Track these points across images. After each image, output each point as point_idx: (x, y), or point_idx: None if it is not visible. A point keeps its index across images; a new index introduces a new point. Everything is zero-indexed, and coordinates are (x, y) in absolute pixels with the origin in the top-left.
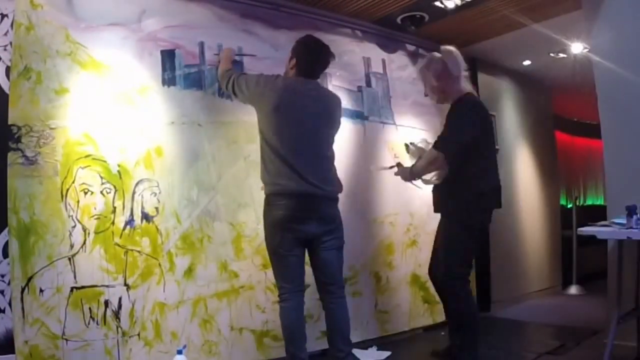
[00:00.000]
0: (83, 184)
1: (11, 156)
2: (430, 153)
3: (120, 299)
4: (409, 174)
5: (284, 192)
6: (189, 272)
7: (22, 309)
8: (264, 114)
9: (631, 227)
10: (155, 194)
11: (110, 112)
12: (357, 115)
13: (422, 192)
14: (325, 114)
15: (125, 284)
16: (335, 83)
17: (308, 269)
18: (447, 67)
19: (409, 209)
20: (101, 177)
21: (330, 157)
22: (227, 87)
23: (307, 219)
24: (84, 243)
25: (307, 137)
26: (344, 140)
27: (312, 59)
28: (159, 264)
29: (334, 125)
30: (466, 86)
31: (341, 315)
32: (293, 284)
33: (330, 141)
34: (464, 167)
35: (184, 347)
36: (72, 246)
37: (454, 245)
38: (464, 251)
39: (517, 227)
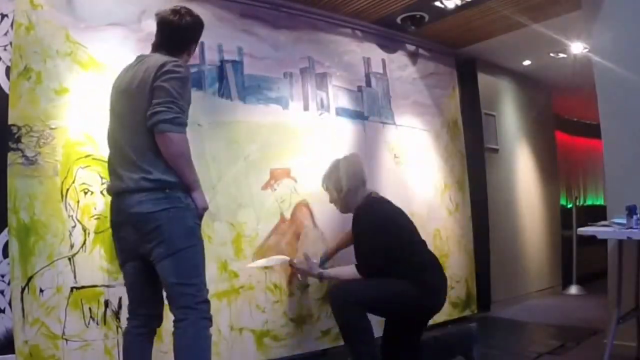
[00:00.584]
0: (83, 184)
1: (11, 156)
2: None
3: (120, 299)
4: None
5: (109, 192)
6: None
7: (22, 309)
8: None
9: (631, 227)
10: None
11: None
12: (357, 115)
13: (421, 193)
14: (138, 85)
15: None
16: (335, 83)
17: None
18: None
19: (409, 209)
20: (101, 177)
21: (143, 134)
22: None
23: (121, 224)
24: (84, 243)
25: (120, 121)
26: (344, 141)
27: (160, 29)
28: None
29: (143, 91)
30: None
31: (179, 346)
32: (132, 304)
33: (142, 114)
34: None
35: None
36: (72, 246)
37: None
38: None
39: (517, 227)
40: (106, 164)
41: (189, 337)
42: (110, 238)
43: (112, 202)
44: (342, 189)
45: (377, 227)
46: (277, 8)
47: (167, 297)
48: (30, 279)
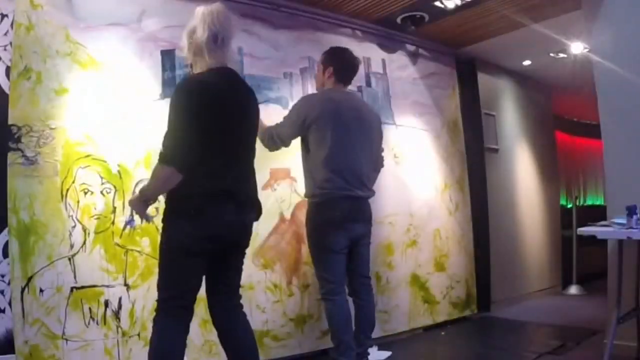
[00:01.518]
0: (83, 184)
1: (11, 156)
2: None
3: (120, 299)
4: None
5: (335, 197)
6: None
7: (22, 309)
8: (314, 130)
9: (631, 227)
10: None
11: (110, 112)
12: None
13: (421, 193)
14: (365, 122)
15: (125, 284)
16: None
17: None
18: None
19: (409, 209)
20: (101, 177)
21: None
22: (268, 146)
23: (355, 219)
24: (84, 243)
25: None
26: None
27: (347, 66)
28: None
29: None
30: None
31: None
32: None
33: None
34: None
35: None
36: (72, 246)
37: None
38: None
39: (517, 227)
40: (106, 164)
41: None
42: (110, 238)
43: (345, 203)
44: (186, 46)
45: (172, 107)
46: (277, 8)
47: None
48: (30, 279)
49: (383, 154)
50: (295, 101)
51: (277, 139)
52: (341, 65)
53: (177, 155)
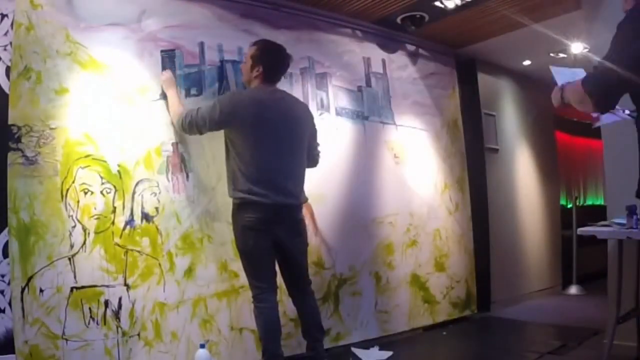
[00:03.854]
0: (83, 184)
1: (11, 156)
2: None
3: (120, 299)
4: None
5: (256, 202)
6: (189, 272)
7: (22, 309)
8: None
9: (631, 227)
10: (155, 194)
11: (110, 112)
12: (357, 115)
13: (421, 193)
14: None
15: (125, 284)
16: (335, 83)
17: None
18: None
19: (409, 209)
20: (101, 177)
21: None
22: (185, 129)
23: (277, 224)
24: (84, 243)
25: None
26: (344, 140)
27: (278, 63)
28: (159, 264)
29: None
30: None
31: None
32: None
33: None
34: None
35: (207, 341)
36: (72, 246)
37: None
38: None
39: (517, 227)
40: (106, 164)
41: None
42: (110, 238)
43: (267, 210)
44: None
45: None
46: (277, 8)
47: None
48: (30, 279)
49: (319, 148)
50: None
51: (192, 128)
52: (271, 65)
53: None
